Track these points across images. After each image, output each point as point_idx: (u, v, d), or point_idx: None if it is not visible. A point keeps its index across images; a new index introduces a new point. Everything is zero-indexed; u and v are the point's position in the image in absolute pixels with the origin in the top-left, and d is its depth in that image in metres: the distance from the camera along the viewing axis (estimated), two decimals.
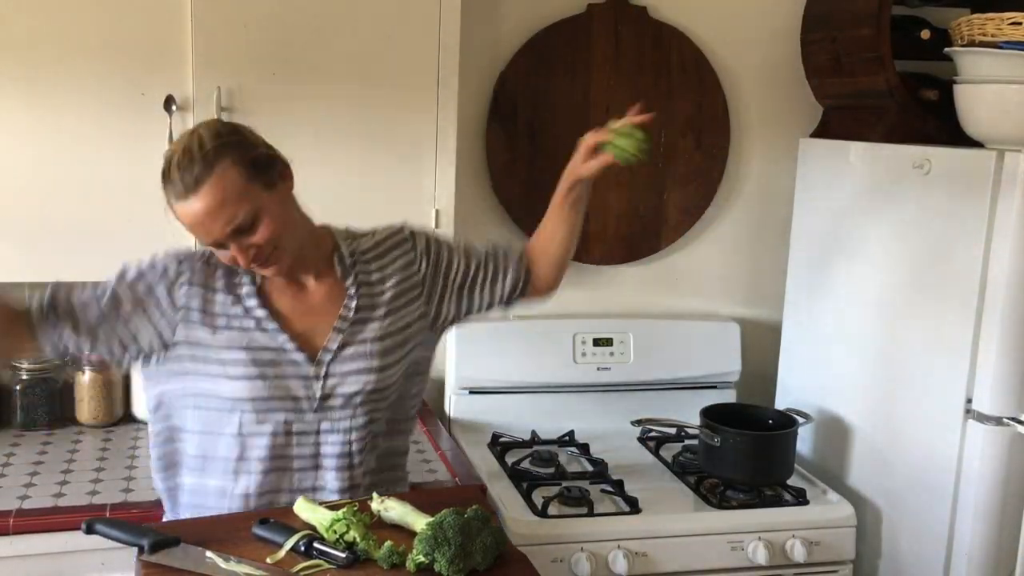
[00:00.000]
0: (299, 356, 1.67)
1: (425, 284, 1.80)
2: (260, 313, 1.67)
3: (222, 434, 1.68)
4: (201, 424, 1.69)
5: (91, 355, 1.71)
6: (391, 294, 1.75)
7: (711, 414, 2.36)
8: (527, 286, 1.89)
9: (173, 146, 1.58)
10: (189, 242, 2.18)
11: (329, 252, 1.74)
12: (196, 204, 1.53)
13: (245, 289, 1.68)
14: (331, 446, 1.70)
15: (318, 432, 1.69)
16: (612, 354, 2.68)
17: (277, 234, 1.59)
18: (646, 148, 1.73)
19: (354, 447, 1.70)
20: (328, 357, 1.68)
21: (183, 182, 1.53)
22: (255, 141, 1.62)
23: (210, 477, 1.70)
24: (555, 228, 1.88)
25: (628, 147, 1.72)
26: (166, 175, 1.55)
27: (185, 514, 1.72)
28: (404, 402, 1.81)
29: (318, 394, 1.67)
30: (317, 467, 1.70)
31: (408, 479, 1.92)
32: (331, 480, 1.70)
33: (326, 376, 1.68)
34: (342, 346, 1.69)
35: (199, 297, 1.66)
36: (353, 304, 1.71)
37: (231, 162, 1.54)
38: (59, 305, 1.65)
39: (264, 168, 1.59)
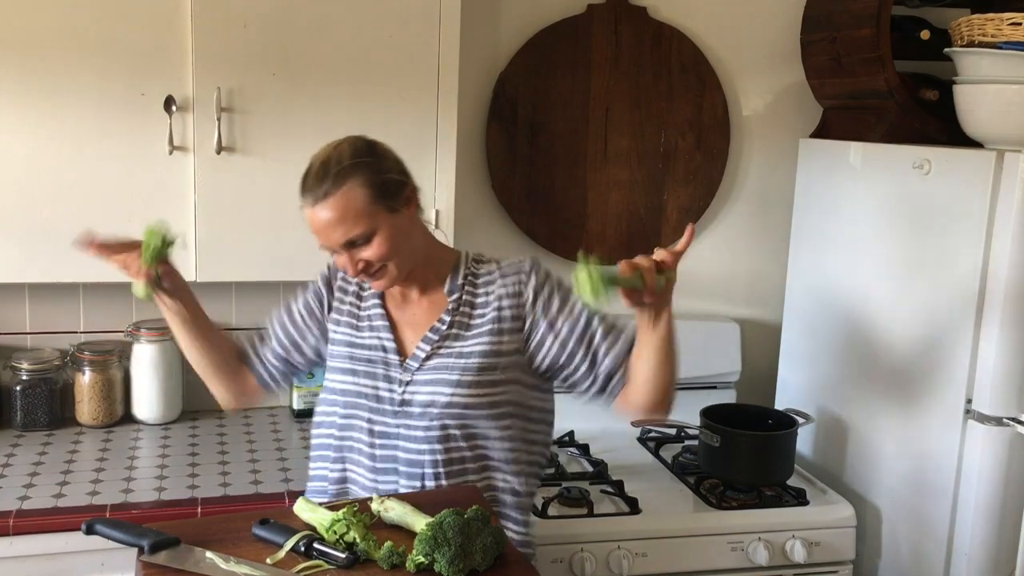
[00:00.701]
0: (395, 358, 1.75)
1: (527, 319, 1.75)
2: (376, 311, 1.79)
3: (330, 424, 1.80)
4: (322, 415, 1.83)
5: (299, 375, 1.97)
6: (490, 317, 1.74)
7: (711, 414, 2.36)
8: (621, 385, 1.74)
9: (318, 153, 1.67)
10: (186, 242, 2.19)
11: (446, 272, 1.78)
12: (320, 213, 1.62)
13: (369, 291, 1.81)
14: (405, 452, 1.73)
15: (398, 436, 1.74)
16: None
17: (389, 254, 1.66)
18: (601, 291, 1.51)
19: (426, 457, 1.72)
20: (415, 365, 1.74)
21: (314, 192, 1.63)
22: (389, 165, 1.69)
23: (320, 463, 1.82)
24: (639, 348, 1.68)
25: (585, 290, 1.53)
26: (304, 181, 1.65)
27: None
28: (501, 443, 1.75)
29: (399, 398, 1.73)
30: (396, 471, 1.74)
31: (528, 541, 1.81)
32: (404, 488, 1.72)
33: (409, 382, 1.73)
34: (429, 356, 1.74)
35: (340, 300, 1.84)
36: (448, 319, 1.75)
37: (359, 182, 1.62)
38: (265, 336, 1.89)
39: (391, 192, 1.66)
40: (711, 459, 2.34)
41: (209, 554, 1.41)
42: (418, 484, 1.72)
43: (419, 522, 1.47)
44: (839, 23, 2.53)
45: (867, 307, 2.39)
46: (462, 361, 1.72)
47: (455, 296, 1.77)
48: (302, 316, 1.86)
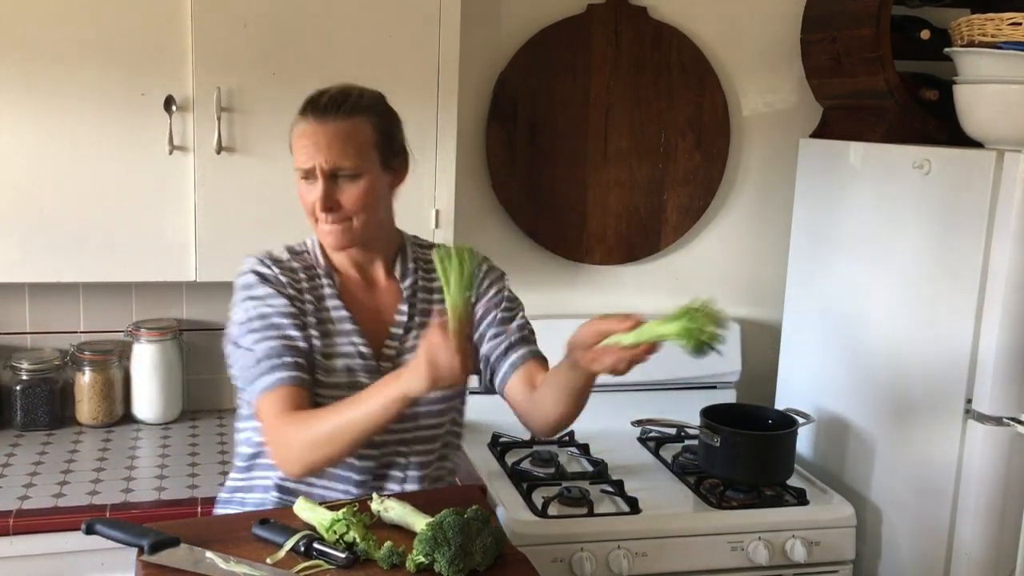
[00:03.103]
0: (373, 363, 1.67)
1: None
2: (341, 313, 1.68)
3: None
4: None
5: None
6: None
7: (711, 414, 2.36)
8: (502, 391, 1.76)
9: (334, 85, 1.67)
10: (186, 242, 2.19)
11: (395, 251, 1.75)
12: (322, 129, 1.59)
13: (327, 291, 1.69)
14: (405, 457, 1.70)
15: (399, 443, 1.69)
16: None
17: (362, 206, 1.62)
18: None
19: (432, 457, 1.71)
20: (388, 366, 1.67)
21: (323, 109, 1.61)
22: (399, 129, 1.71)
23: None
24: (550, 390, 1.67)
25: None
26: (313, 98, 1.63)
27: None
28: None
29: None
30: (385, 477, 1.70)
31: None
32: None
33: None
34: (399, 353, 1.69)
35: (301, 302, 1.66)
36: (406, 309, 1.72)
37: (372, 122, 1.63)
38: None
39: (392, 149, 1.67)
40: (711, 459, 2.34)
41: (209, 554, 1.41)
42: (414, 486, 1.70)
43: (419, 522, 1.47)
44: (839, 23, 2.53)
45: (867, 307, 2.39)
46: None
47: (409, 281, 1.73)
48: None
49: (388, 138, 1.66)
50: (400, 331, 1.70)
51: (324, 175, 1.60)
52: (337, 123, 1.60)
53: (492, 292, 1.77)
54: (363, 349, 1.67)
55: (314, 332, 1.65)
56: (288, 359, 1.59)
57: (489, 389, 1.78)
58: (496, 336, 1.73)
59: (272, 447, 1.58)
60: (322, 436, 1.51)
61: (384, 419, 1.50)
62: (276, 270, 1.67)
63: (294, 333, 1.62)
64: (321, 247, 1.73)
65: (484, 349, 1.74)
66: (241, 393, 1.69)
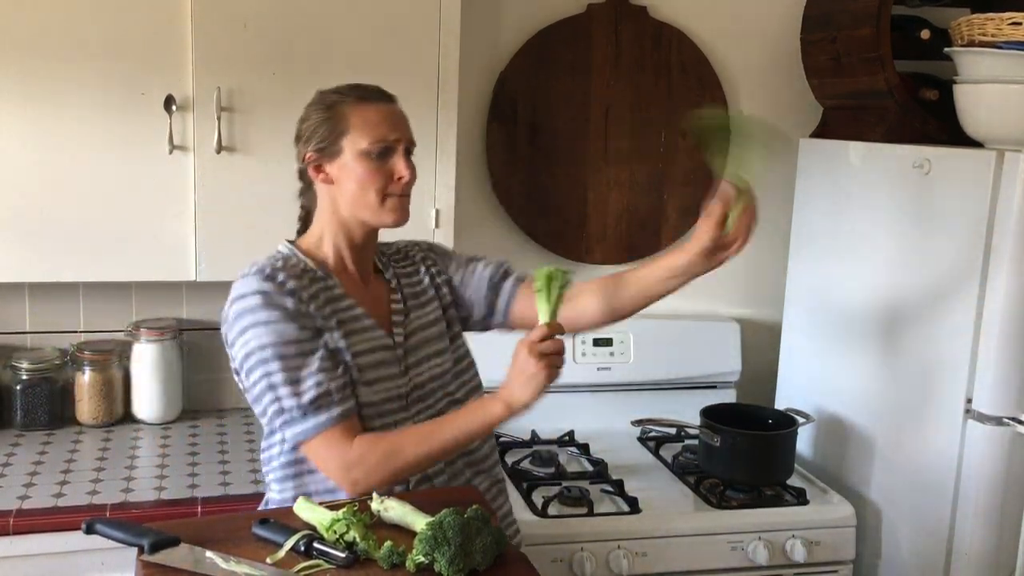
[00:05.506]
0: (394, 352, 1.67)
1: (448, 268, 1.84)
2: (358, 311, 1.65)
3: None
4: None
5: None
6: (426, 283, 1.80)
7: (711, 414, 2.36)
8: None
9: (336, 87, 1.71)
10: (186, 242, 2.19)
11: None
12: (395, 108, 1.66)
13: (337, 291, 1.65)
14: None
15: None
16: (612, 354, 2.68)
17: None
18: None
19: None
20: (401, 352, 1.68)
21: (381, 92, 1.66)
22: None
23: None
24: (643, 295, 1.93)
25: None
26: (360, 86, 1.67)
27: None
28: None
29: (407, 389, 1.67)
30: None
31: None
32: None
33: (408, 367, 1.68)
34: (408, 336, 1.71)
35: (317, 303, 1.60)
36: (400, 296, 1.74)
37: None
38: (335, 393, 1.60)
39: None
40: (711, 459, 2.34)
41: (209, 554, 1.41)
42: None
43: (419, 521, 1.47)
44: (839, 23, 2.53)
45: (867, 307, 2.39)
46: (440, 327, 1.76)
47: (390, 271, 1.77)
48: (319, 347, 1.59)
49: None
50: (401, 318, 1.72)
51: (404, 149, 1.65)
52: (396, 104, 1.68)
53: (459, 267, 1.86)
54: (385, 340, 1.67)
55: (338, 335, 1.60)
56: (332, 389, 1.56)
57: (485, 325, 1.86)
58: (483, 269, 1.84)
59: (343, 474, 1.57)
60: (410, 465, 1.58)
61: (477, 440, 1.64)
62: (283, 286, 1.58)
63: (323, 363, 1.57)
64: (304, 251, 1.68)
65: (475, 283, 1.83)
66: (271, 425, 1.60)
